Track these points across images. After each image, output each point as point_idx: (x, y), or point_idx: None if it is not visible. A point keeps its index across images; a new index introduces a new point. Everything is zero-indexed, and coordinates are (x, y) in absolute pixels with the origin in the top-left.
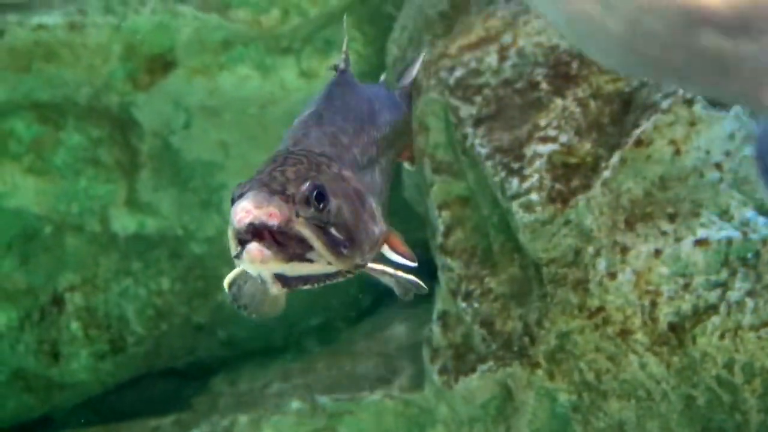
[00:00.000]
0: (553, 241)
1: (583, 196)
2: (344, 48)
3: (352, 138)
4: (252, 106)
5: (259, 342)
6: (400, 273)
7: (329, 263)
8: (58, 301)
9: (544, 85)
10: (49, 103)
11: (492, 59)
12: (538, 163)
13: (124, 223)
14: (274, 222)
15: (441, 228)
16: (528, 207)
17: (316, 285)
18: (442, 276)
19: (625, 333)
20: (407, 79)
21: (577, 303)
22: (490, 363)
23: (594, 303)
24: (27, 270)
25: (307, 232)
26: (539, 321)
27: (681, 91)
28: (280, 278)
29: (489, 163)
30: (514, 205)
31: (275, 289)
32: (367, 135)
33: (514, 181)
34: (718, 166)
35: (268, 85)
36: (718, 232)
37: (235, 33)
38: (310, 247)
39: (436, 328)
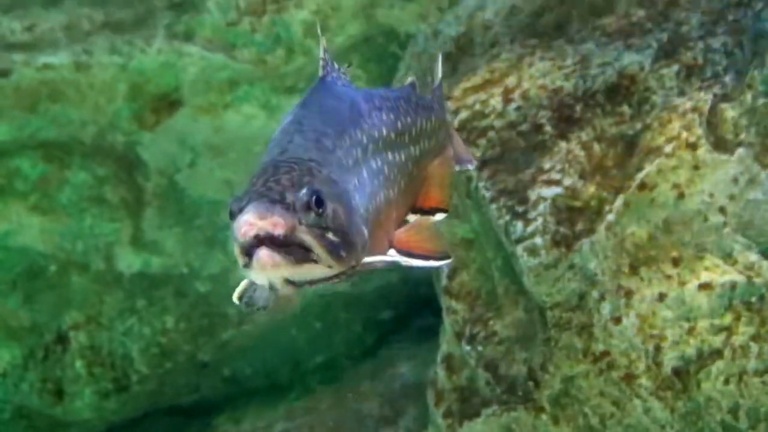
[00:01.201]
0: (557, 285)
1: (587, 240)
2: (321, 55)
3: (334, 140)
4: (257, 145)
5: (264, 380)
6: (396, 257)
7: (329, 266)
8: (62, 339)
9: (548, 128)
10: (55, 141)
11: (496, 102)
12: (542, 207)
13: (129, 261)
14: (279, 231)
15: (445, 270)
16: (532, 251)
17: (317, 285)
18: (446, 318)
19: (629, 377)
20: (435, 81)
21: (581, 347)
22: (495, 407)
23: (598, 347)
24: (31, 308)
25: (309, 239)
26: (543, 365)
27: (684, 135)
28: (288, 280)
29: (493, 206)
30: (519, 249)
31: (287, 290)
32: (349, 137)
33: (519, 225)
34: (722, 209)
35: (273, 124)
36: (722, 276)
37: (241, 72)
38: (311, 253)
39: (440, 371)
